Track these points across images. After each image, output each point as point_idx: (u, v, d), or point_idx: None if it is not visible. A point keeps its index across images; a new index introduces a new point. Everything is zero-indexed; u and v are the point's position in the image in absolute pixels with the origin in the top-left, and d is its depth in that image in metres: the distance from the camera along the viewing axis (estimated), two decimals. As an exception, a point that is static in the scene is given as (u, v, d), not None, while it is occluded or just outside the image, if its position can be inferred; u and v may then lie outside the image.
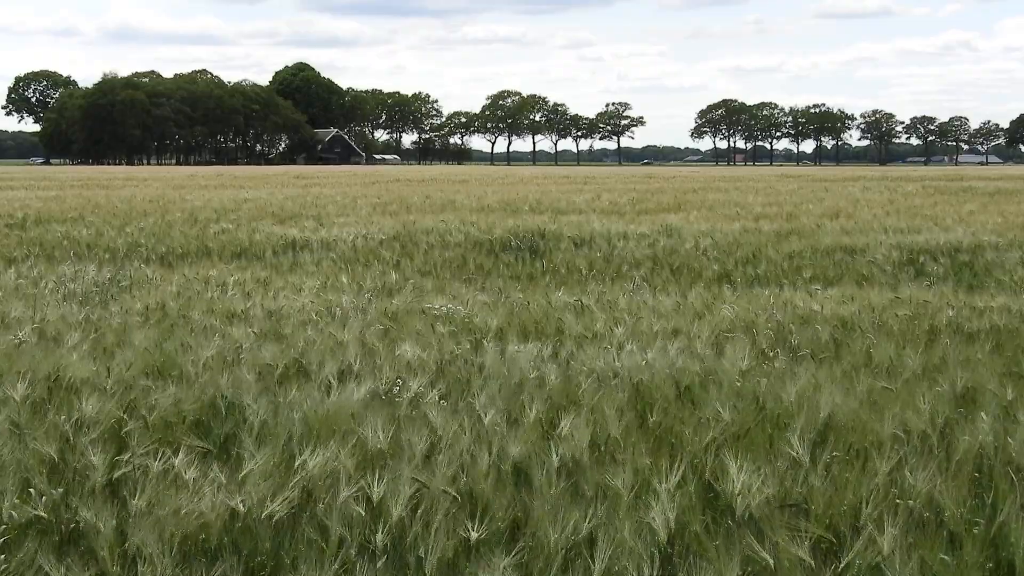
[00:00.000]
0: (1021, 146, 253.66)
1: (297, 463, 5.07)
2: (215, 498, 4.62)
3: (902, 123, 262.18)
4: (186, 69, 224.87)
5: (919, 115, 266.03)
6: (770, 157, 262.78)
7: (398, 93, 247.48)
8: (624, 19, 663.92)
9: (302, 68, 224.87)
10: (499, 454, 5.39)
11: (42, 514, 4.74)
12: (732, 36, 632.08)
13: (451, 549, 4.39)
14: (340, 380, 7.08)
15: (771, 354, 8.16)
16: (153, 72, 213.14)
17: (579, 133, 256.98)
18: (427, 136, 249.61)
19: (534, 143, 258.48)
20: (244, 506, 4.64)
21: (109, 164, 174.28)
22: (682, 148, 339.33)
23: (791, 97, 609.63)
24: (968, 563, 4.11)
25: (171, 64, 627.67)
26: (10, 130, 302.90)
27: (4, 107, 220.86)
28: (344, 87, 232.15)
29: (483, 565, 4.16)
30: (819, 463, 5.12)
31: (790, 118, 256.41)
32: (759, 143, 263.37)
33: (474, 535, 4.47)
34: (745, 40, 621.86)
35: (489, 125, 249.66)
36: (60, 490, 4.93)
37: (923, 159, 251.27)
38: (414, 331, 9.02)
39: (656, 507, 4.47)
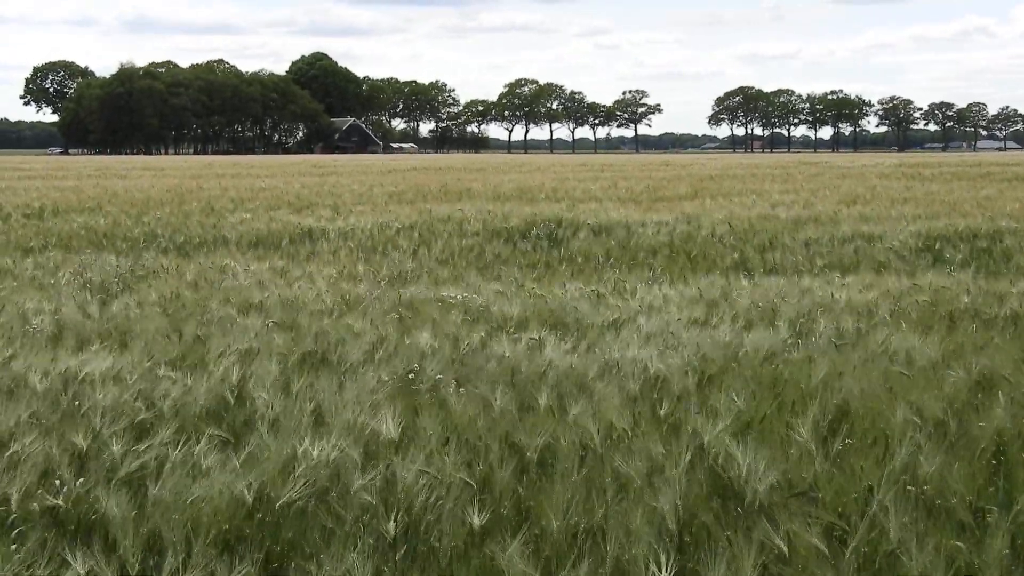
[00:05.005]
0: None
1: (301, 451, 5.08)
2: (232, 485, 4.64)
3: (920, 109, 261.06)
4: (203, 59, 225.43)
5: (937, 101, 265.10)
6: (787, 144, 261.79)
7: (415, 82, 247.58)
8: (639, 6, 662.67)
9: (319, 57, 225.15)
10: (511, 441, 5.40)
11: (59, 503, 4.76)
12: (748, 22, 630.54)
13: (461, 537, 4.40)
14: (356, 368, 7.10)
15: (788, 342, 8.13)
16: (170, 62, 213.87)
17: (596, 121, 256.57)
18: (444, 125, 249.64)
19: (551, 131, 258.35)
20: (256, 493, 4.66)
21: (127, 154, 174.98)
22: (699, 135, 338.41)
23: (807, 84, 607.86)
24: (986, 550, 4.10)
25: (188, 54, 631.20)
26: (28, 120, 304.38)
27: (22, 97, 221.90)
28: (360, 76, 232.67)
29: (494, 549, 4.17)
30: (832, 450, 5.11)
31: (807, 105, 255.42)
32: (776, 130, 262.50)
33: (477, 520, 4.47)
34: (761, 26, 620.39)
35: (506, 113, 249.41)
36: (80, 480, 4.94)
37: (941, 145, 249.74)
38: (430, 320, 9.03)
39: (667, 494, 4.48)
